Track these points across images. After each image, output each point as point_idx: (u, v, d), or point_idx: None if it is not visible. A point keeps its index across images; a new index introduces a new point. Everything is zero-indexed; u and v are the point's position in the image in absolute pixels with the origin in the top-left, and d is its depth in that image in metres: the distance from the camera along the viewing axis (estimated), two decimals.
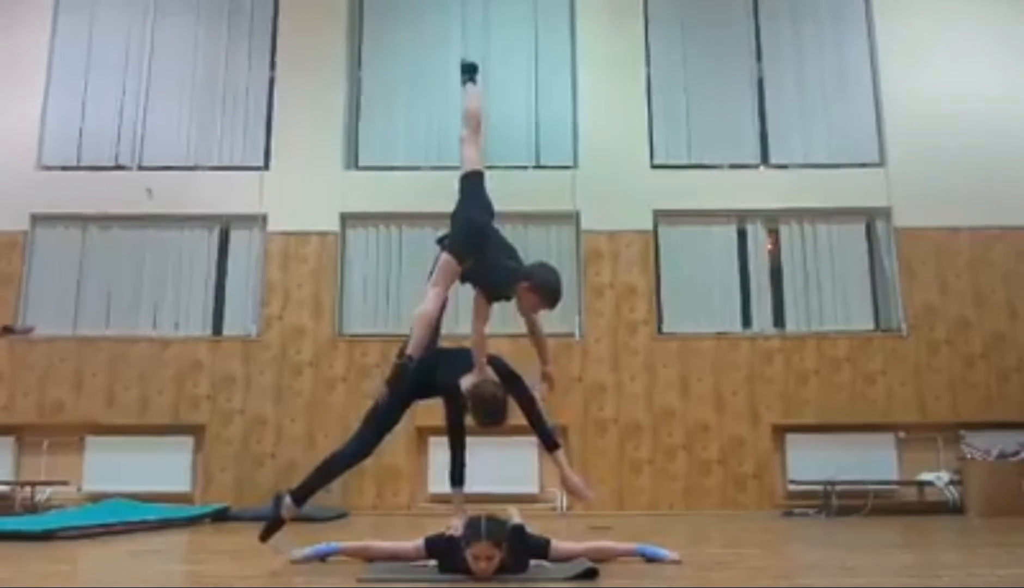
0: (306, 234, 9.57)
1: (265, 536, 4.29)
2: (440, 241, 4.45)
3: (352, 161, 9.96)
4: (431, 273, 4.35)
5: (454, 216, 4.42)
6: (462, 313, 5.49)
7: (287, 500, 4.30)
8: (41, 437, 9.14)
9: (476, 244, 4.22)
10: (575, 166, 9.70)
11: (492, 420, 4.09)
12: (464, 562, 3.47)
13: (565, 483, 4.38)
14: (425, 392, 4.40)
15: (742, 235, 9.72)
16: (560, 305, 4.37)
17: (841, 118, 9.89)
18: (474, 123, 4.67)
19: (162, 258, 9.66)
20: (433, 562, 3.73)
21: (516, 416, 4.35)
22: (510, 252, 4.34)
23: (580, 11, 10.07)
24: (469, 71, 4.91)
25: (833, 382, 9.15)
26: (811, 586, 3.59)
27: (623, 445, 9.02)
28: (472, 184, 4.41)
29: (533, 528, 3.87)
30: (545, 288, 4.11)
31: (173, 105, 10.00)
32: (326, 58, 9.98)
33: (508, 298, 4.25)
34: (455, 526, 3.83)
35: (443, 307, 4.32)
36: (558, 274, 4.21)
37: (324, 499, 8.63)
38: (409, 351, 4.08)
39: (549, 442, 4.43)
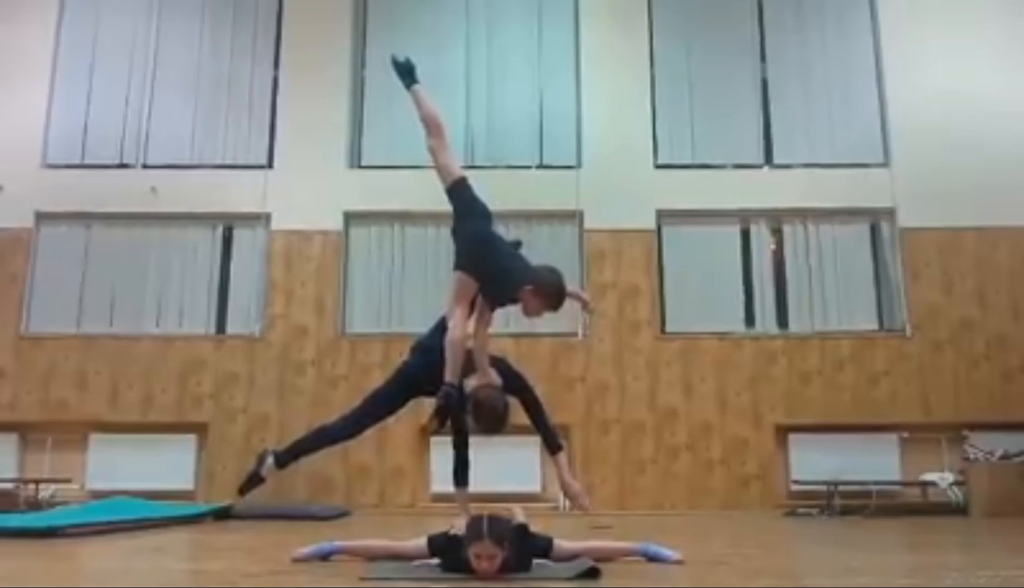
0: (309, 233, 9.58)
1: (243, 490, 4.53)
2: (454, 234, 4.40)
3: (356, 160, 9.97)
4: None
5: (455, 233, 4.37)
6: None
7: (270, 460, 4.49)
8: (45, 435, 9.17)
9: (484, 256, 4.21)
10: (579, 166, 9.70)
11: (491, 429, 4.08)
12: (466, 561, 3.46)
13: (563, 488, 4.43)
14: (429, 389, 4.40)
15: (746, 235, 9.71)
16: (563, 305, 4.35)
17: (845, 118, 9.88)
18: (435, 127, 4.40)
19: (166, 256, 9.67)
20: (435, 561, 3.72)
21: (517, 416, 4.35)
22: (514, 254, 4.33)
23: (584, 10, 10.06)
24: (407, 74, 4.50)
25: (836, 382, 9.14)
26: (814, 586, 3.59)
27: (626, 445, 9.02)
28: (462, 195, 4.32)
29: (536, 527, 3.87)
30: (548, 291, 4.10)
31: (177, 104, 10.01)
32: (330, 57, 9.99)
33: (513, 302, 4.23)
34: (458, 525, 3.83)
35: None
36: (561, 276, 4.20)
37: (326, 498, 8.71)
38: (448, 378, 4.10)
39: (552, 444, 4.46)
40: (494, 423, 4.07)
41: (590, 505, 4.60)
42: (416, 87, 4.47)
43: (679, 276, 9.58)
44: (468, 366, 4.29)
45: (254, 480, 4.51)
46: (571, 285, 4.40)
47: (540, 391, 4.60)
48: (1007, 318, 9.23)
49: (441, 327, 4.51)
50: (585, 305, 4.95)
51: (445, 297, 4.38)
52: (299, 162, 9.70)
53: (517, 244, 4.82)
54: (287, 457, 4.53)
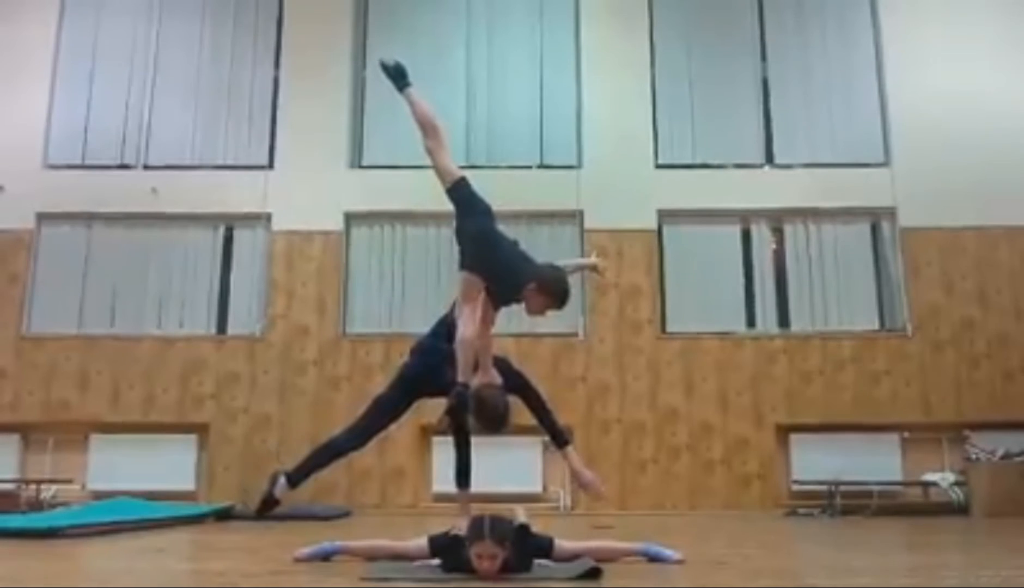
0: (310, 233, 9.58)
1: (260, 512, 4.53)
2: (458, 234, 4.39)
3: (356, 160, 9.97)
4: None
5: (459, 232, 4.36)
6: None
7: (282, 481, 4.47)
8: (46, 435, 9.18)
9: (487, 254, 4.20)
10: (579, 165, 9.70)
11: (492, 429, 4.07)
12: (468, 561, 3.46)
13: (578, 479, 4.41)
14: (431, 390, 4.39)
15: (746, 235, 9.71)
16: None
17: (846, 118, 9.87)
18: (431, 129, 4.33)
19: (167, 257, 9.68)
20: (436, 561, 3.72)
21: (519, 416, 4.34)
22: (518, 251, 4.32)
23: (585, 10, 10.06)
24: (398, 77, 4.39)
25: (837, 382, 9.13)
26: (815, 586, 3.59)
27: (627, 445, 9.02)
28: (462, 194, 4.29)
29: (537, 527, 3.87)
30: (553, 289, 4.09)
31: (178, 104, 10.01)
32: (330, 57, 9.99)
33: (517, 301, 4.22)
34: (459, 525, 3.83)
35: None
36: (565, 274, 4.19)
37: (327, 498, 8.72)
38: (460, 378, 4.07)
39: (559, 439, 4.44)
40: (495, 423, 4.06)
41: (606, 491, 4.56)
42: (409, 90, 4.43)
43: (680, 276, 9.58)
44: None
45: (269, 503, 4.47)
46: (572, 258, 4.40)
47: (541, 391, 4.59)
48: (1008, 318, 9.22)
49: (439, 329, 4.50)
50: (595, 268, 4.96)
51: (456, 297, 4.37)
52: (300, 162, 9.70)
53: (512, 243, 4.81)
54: (298, 476, 4.49)
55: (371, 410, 4.58)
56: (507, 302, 4.29)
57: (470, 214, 4.29)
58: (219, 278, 9.71)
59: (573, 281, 4.35)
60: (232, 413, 9.18)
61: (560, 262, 4.54)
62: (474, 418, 4.15)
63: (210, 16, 10.27)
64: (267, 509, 4.48)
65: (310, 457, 4.59)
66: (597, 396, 9.13)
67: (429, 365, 4.37)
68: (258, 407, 9.16)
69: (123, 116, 9.99)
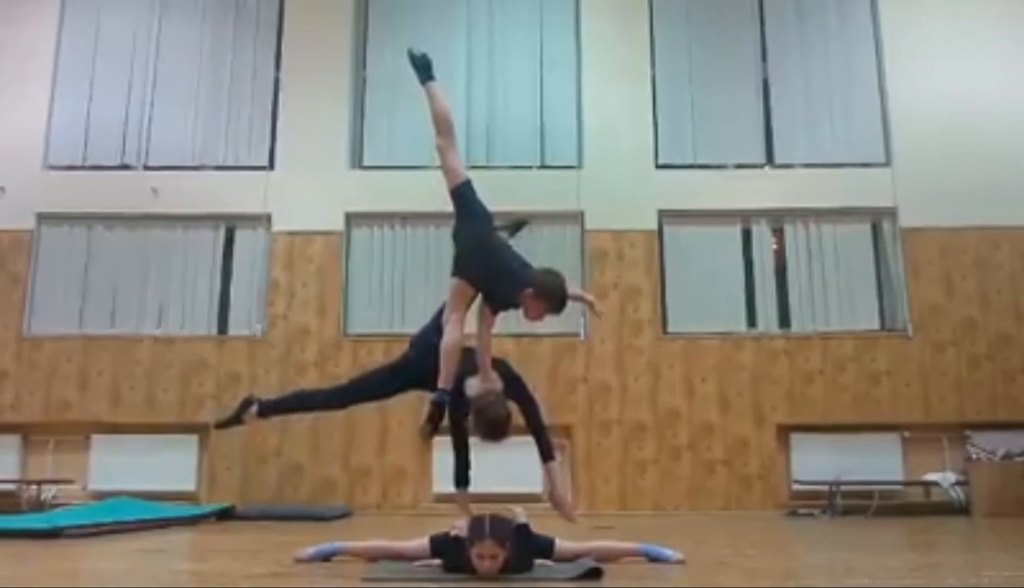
0: (311, 234, 9.58)
1: (220, 425, 4.75)
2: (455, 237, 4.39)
3: (357, 161, 9.97)
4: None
5: (457, 235, 4.36)
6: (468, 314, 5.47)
7: (254, 407, 4.58)
8: (47, 436, 9.17)
9: (484, 260, 4.19)
10: (580, 166, 9.70)
11: (492, 438, 4.06)
12: (468, 561, 3.47)
13: (552, 496, 4.44)
14: (427, 385, 4.38)
15: (747, 235, 9.70)
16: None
17: (846, 118, 9.86)
18: (447, 127, 4.38)
19: (167, 258, 9.67)
20: (437, 561, 3.73)
21: (518, 417, 4.34)
22: (515, 256, 4.32)
23: (585, 11, 10.05)
24: (424, 68, 4.48)
25: (838, 382, 9.13)
26: (815, 587, 3.59)
27: (627, 445, 9.01)
28: (465, 196, 4.30)
29: (537, 528, 3.87)
30: (550, 295, 4.08)
31: (178, 105, 10.01)
32: (331, 58, 9.99)
33: (515, 306, 4.21)
34: (460, 526, 3.83)
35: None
36: (562, 278, 4.17)
37: (327, 498, 8.72)
38: (441, 384, 4.09)
39: (546, 452, 4.45)
40: (495, 432, 4.05)
41: (578, 519, 4.61)
42: (431, 83, 4.48)
43: (680, 276, 9.57)
44: (471, 366, 4.28)
45: (233, 421, 4.64)
46: (574, 287, 4.40)
47: (541, 392, 4.60)
48: (1009, 318, 9.21)
49: (436, 326, 4.50)
50: (592, 307, 4.92)
51: (446, 301, 4.37)
52: (300, 163, 9.70)
53: (521, 224, 4.81)
54: (270, 410, 4.63)
55: (361, 380, 4.65)
56: (504, 307, 4.29)
57: (470, 218, 4.30)
58: (220, 279, 9.69)
59: (573, 282, 4.35)
60: None
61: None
62: (473, 427, 4.15)
63: (210, 16, 10.27)
64: (228, 425, 4.66)
65: (290, 398, 4.70)
66: (598, 397, 9.13)
67: (423, 361, 4.36)
68: None
69: (123, 117, 9.99)
